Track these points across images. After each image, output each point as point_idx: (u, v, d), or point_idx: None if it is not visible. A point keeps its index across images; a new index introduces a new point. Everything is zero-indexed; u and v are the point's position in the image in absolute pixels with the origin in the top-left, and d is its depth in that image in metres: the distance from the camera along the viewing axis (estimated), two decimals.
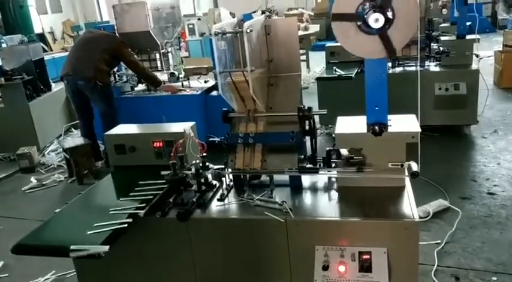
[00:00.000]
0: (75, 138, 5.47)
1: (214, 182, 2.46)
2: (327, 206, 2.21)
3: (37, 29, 11.80)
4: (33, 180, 5.09)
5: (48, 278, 3.15)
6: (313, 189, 2.39)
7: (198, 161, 2.41)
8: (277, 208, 2.18)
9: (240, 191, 2.41)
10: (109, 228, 1.99)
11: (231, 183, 2.48)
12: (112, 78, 5.68)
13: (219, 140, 2.39)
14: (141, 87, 5.81)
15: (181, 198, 2.34)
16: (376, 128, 2.17)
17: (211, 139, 2.50)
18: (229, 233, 2.21)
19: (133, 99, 5.57)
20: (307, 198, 2.31)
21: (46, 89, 6.43)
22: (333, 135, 2.38)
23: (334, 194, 2.31)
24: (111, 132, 2.80)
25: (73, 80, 4.99)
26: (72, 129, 6.76)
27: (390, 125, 2.23)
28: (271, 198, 2.29)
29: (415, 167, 2.15)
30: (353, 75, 4.96)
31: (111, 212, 2.12)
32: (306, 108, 2.34)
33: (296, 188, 2.39)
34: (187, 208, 2.19)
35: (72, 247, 1.88)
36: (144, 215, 2.16)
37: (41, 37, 11.78)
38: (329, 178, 2.41)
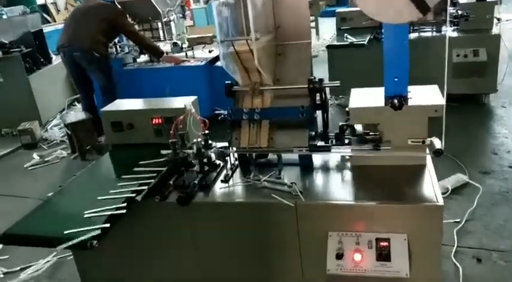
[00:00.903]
0: (77, 113, 5.28)
1: (217, 162, 2.28)
2: (340, 188, 2.02)
3: (40, 0, 11.47)
4: (35, 156, 4.95)
5: (50, 260, 3.03)
6: (325, 168, 2.19)
7: (200, 140, 2.22)
8: (286, 190, 2.00)
9: (245, 171, 2.23)
10: (103, 214, 1.83)
11: (236, 162, 2.30)
12: (114, 50, 5.45)
13: (225, 113, 2.20)
14: (143, 58, 5.57)
15: (183, 179, 2.16)
16: (396, 101, 1.95)
17: (217, 112, 2.30)
18: (234, 217, 2.03)
19: (135, 71, 5.35)
20: (319, 179, 2.12)
21: (46, 62, 6.20)
22: (347, 109, 2.17)
23: (348, 174, 2.11)
24: (107, 108, 2.61)
25: (69, 52, 4.76)
26: (76, 103, 6.56)
27: (410, 98, 2.01)
28: (279, 179, 2.11)
29: (438, 144, 1.94)
30: (366, 42, 4.68)
31: (104, 198, 1.95)
32: (317, 79, 2.13)
33: (306, 167, 2.20)
34: (188, 191, 2.02)
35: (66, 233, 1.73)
36: (143, 199, 1.99)
37: (44, 8, 11.46)
38: (342, 156, 2.21)
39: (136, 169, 2.21)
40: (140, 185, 2.05)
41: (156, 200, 2.01)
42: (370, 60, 5.07)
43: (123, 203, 1.92)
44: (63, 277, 2.90)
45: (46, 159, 4.91)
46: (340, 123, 2.20)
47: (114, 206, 1.88)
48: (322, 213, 1.91)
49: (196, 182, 2.10)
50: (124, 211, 1.86)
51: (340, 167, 2.18)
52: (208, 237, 2.09)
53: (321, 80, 2.12)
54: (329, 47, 5.12)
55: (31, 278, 2.91)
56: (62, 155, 5.00)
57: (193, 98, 2.51)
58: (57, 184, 4.15)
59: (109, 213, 1.83)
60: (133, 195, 1.97)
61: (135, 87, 5.12)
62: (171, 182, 2.13)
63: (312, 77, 2.13)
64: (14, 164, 4.96)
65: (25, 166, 4.81)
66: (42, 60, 6.10)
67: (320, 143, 2.16)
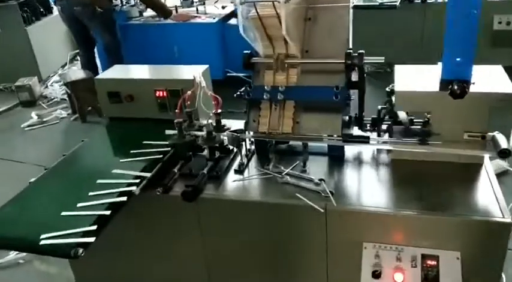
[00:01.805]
0: (77, 71, 4.90)
1: (230, 147, 1.93)
2: (378, 189, 1.67)
3: None
4: (33, 116, 4.63)
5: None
6: (359, 161, 1.84)
7: (210, 121, 1.86)
8: (312, 189, 1.66)
9: (263, 160, 1.89)
10: (90, 213, 1.51)
11: (252, 147, 1.96)
12: (118, 1, 4.99)
13: (238, 75, 1.84)
14: (150, 12, 5.11)
15: (189, 167, 1.83)
16: (456, 87, 1.57)
17: (229, 74, 1.93)
18: (250, 219, 1.71)
19: (141, 26, 4.91)
20: (351, 175, 1.77)
21: (46, 12, 5.75)
22: (388, 89, 1.80)
23: (387, 171, 1.76)
24: (103, 76, 2.25)
25: (68, 6, 4.33)
26: (78, 57, 6.18)
27: (473, 83, 1.63)
28: (304, 172, 1.77)
29: (503, 141, 1.58)
30: (398, 4, 4.19)
31: (93, 193, 1.62)
32: (357, 53, 1.73)
33: (336, 158, 1.85)
34: (195, 184, 1.68)
35: (42, 242, 1.42)
36: (142, 191, 1.67)
37: None
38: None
39: (134, 151, 1.88)
40: (137, 176, 1.72)
41: (157, 193, 1.69)
42: (402, 25, 4.65)
43: (118, 196, 1.61)
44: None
45: (44, 119, 4.60)
46: (379, 107, 1.83)
47: (107, 201, 1.57)
48: (357, 221, 1.58)
49: (205, 171, 1.77)
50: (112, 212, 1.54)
51: (377, 160, 1.83)
52: (218, 239, 1.78)
53: (361, 55, 1.72)
54: (356, 7, 4.61)
55: (21, 258, 2.65)
56: (61, 115, 4.69)
57: (204, 67, 2.13)
58: (56, 149, 3.87)
59: (98, 213, 1.51)
60: (130, 189, 1.64)
61: (139, 45, 4.73)
62: (175, 170, 1.80)
63: (350, 50, 1.74)
64: (11, 123, 4.66)
65: (22, 126, 4.51)
66: (41, 10, 5.67)
67: (355, 131, 1.81)
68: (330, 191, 1.62)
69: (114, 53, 4.33)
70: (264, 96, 1.77)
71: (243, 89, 1.84)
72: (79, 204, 1.56)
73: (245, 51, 1.84)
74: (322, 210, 1.56)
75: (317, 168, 1.81)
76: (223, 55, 4.56)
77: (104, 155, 2.04)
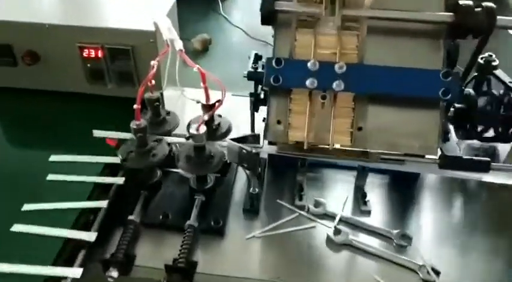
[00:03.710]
0: None
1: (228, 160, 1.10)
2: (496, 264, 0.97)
3: None
4: None
5: None
6: (447, 194, 1.11)
7: (193, 129, 0.98)
8: (397, 260, 0.93)
9: (281, 181, 1.10)
10: None
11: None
12: None
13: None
14: None
15: (160, 207, 1.00)
16: None
17: None
18: None
19: None
20: (445, 217, 1.05)
21: None
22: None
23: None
24: None
25: None
26: None
27: None
28: (366, 214, 1.02)
29: None
30: None
31: None
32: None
33: (403, 178, 1.11)
34: (181, 264, 0.87)
35: None
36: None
37: None
38: None
39: (51, 178, 0.99)
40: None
41: (109, 280, 0.85)
42: None
43: None
44: None
45: None
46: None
47: None
48: None
49: (194, 223, 0.94)
50: None
51: (476, 191, 1.11)
52: None
53: (490, 10, 0.91)
54: None
55: None
56: None
57: (170, 3, 1.20)
58: None
59: None
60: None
61: None
62: (133, 218, 0.95)
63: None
64: None
65: None
66: None
67: (456, 150, 1.05)
68: (434, 270, 0.90)
69: None
70: (308, 83, 0.92)
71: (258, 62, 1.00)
72: None
73: None
74: None
75: (376, 197, 1.07)
76: None
77: None
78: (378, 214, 1.03)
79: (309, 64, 0.91)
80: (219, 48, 1.84)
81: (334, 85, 0.91)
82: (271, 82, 0.92)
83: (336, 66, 0.91)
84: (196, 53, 1.77)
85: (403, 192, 1.10)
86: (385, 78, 0.93)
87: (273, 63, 0.92)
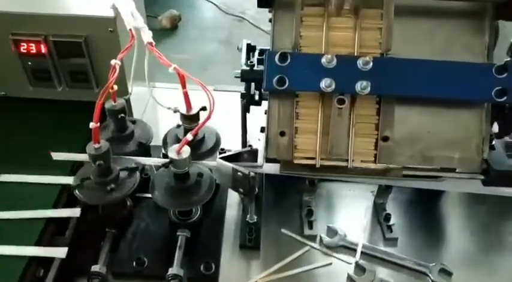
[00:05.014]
0: None
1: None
2: None
3: None
4: None
5: None
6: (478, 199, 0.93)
7: (172, 152, 0.75)
8: None
9: (289, 206, 0.89)
10: None
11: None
12: None
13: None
14: None
15: (133, 251, 0.77)
16: None
17: None
18: None
19: None
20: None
21: None
22: None
23: None
24: None
25: None
26: None
27: None
28: (392, 244, 0.82)
29: None
30: None
31: None
32: None
33: (431, 194, 0.92)
34: None
35: None
36: None
37: None
38: None
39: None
40: None
41: None
42: None
43: None
44: None
45: None
46: None
47: None
48: None
49: (176, 271, 0.72)
50: None
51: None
52: None
53: None
54: None
55: None
56: None
57: None
58: None
59: None
60: None
61: None
62: (97, 269, 0.72)
63: None
64: None
65: None
66: None
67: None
68: None
69: None
70: (323, 86, 0.70)
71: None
72: None
73: None
74: None
75: (399, 217, 0.87)
76: None
77: None
78: (404, 240, 0.83)
79: (323, 59, 0.70)
80: (189, 25, 1.62)
81: (358, 87, 0.69)
82: (275, 85, 0.69)
83: (360, 62, 0.69)
84: (164, 31, 1.56)
85: (430, 209, 0.90)
86: (423, 77, 0.72)
87: (276, 60, 0.69)
